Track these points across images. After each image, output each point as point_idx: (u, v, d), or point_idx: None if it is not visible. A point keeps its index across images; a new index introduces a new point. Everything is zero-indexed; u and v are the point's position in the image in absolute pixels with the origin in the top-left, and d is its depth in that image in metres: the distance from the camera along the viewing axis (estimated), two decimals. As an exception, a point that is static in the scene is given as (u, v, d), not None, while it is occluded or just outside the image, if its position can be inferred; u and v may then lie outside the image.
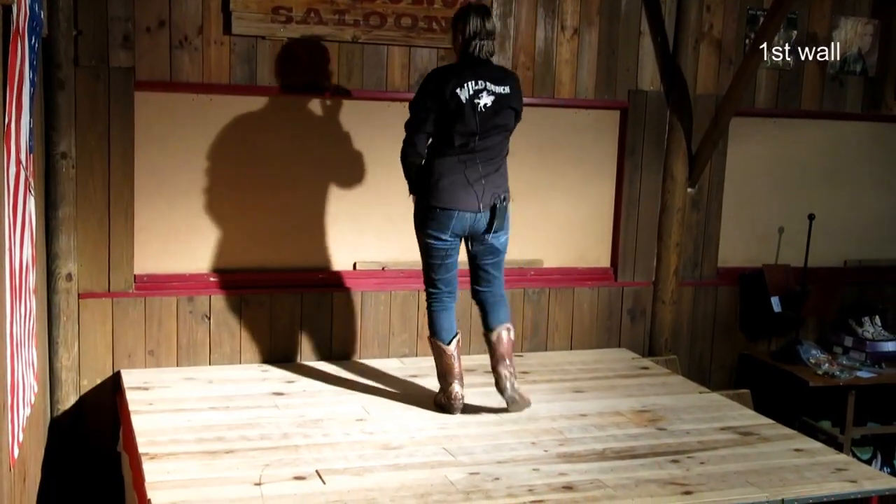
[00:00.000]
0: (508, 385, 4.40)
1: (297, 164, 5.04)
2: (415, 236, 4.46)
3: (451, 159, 4.29)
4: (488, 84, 4.26)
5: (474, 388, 4.74)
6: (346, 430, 4.14)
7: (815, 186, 6.09)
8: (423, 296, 4.57)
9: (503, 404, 4.45)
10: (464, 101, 4.21)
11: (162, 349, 4.90)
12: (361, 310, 5.20)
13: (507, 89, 4.31)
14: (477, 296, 4.55)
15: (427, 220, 4.35)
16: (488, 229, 4.36)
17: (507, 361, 4.42)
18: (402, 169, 4.42)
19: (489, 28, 4.30)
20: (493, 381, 4.45)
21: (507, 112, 4.32)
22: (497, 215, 4.34)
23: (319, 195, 5.09)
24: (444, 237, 4.35)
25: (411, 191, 4.45)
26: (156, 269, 4.89)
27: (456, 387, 4.40)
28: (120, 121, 4.69)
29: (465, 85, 4.22)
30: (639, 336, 5.79)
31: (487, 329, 4.50)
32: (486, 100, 4.24)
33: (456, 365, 4.42)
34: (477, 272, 4.51)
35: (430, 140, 4.34)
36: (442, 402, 4.45)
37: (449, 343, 4.43)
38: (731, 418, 4.52)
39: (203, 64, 4.80)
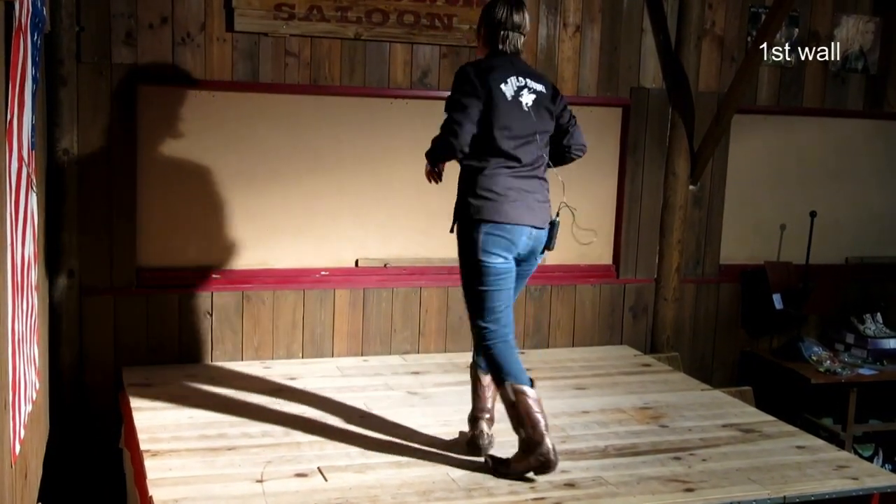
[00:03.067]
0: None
1: (299, 160, 5.04)
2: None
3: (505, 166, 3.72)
4: (528, 81, 3.78)
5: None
6: (348, 426, 4.14)
7: (816, 184, 6.09)
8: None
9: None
10: (509, 99, 3.69)
11: (164, 346, 4.90)
12: (363, 307, 5.19)
13: (544, 88, 3.81)
14: None
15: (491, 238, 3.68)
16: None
17: None
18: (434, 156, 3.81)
19: (516, 21, 3.77)
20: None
21: (545, 113, 3.81)
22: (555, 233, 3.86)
23: (322, 192, 5.09)
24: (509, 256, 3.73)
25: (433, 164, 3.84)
26: (158, 266, 4.89)
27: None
28: (122, 117, 4.69)
29: (508, 80, 3.72)
30: (641, 333, 5.79)
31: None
32: (527, 98, 3.74)
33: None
34: None
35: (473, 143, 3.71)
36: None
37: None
38: (732, 415, 4.51)
39: (205, 60, 4.80)
